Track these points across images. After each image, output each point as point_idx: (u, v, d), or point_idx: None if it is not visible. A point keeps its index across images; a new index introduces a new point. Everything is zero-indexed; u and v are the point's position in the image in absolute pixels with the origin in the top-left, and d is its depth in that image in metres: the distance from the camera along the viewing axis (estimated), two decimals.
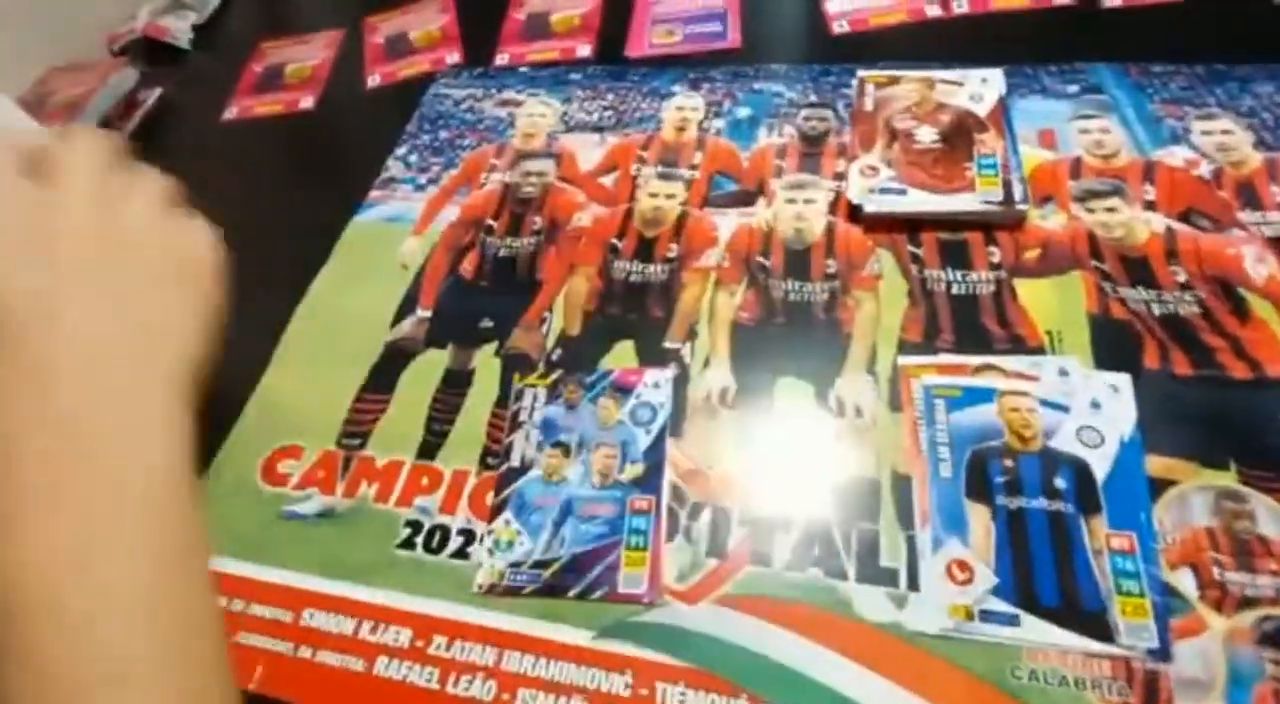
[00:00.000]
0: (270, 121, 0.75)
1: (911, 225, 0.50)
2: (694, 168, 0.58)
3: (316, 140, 0.73)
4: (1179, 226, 0.47)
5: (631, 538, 0.41)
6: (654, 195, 0.57)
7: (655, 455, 0.43)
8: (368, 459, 0.47)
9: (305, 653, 0.40)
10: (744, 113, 0.61)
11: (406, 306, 0.55)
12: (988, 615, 0.35)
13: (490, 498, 0.44)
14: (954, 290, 0.47)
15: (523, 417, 0.47)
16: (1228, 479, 0.37)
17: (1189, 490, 0.37)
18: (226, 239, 0.63)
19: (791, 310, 0.49)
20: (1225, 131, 0.51)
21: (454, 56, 0.75)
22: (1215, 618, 0.34)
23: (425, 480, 0.45)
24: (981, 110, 0.54)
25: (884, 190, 0.51)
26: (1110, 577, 0.35)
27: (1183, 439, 0.39)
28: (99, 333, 0.28)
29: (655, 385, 0.46)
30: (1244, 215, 0.47)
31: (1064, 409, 0.40)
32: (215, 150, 0.74)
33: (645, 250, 0.54)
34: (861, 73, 0.59)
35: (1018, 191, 0.49)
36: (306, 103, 0.76)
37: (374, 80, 0.76)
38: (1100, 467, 0.38)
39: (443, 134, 0.67)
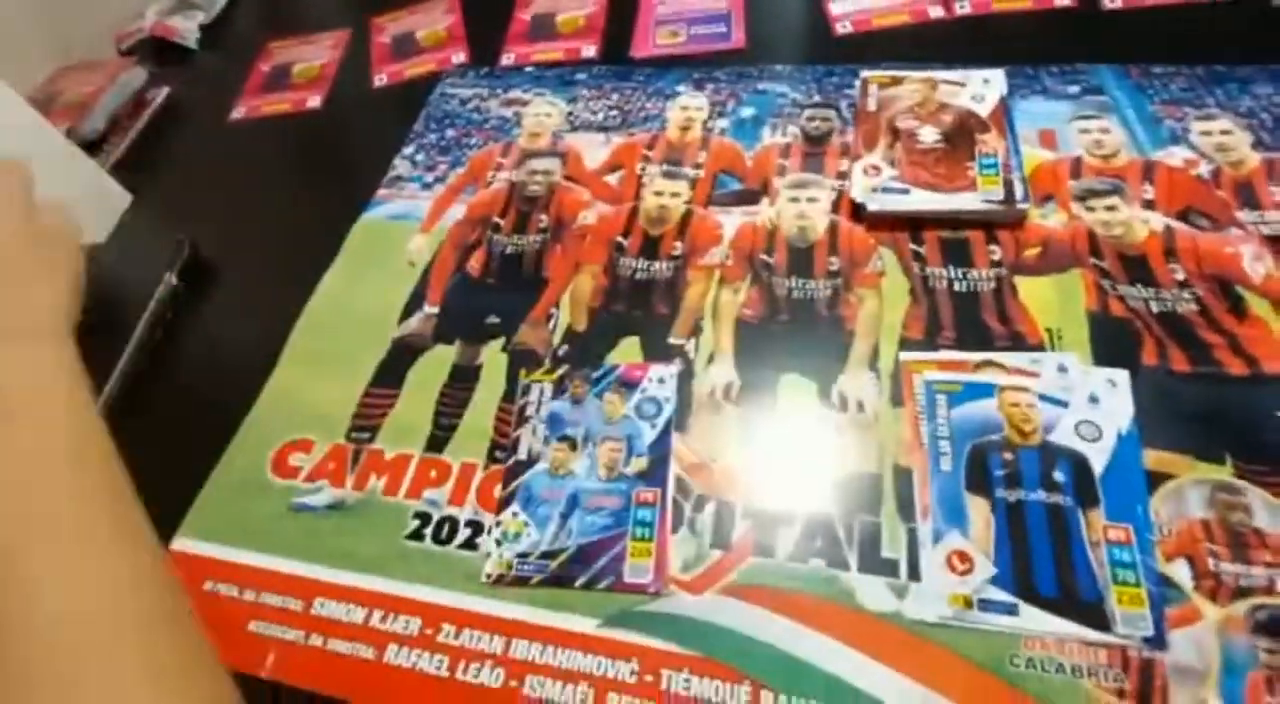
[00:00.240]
0: (278, 120, 0.76)
1: (914, 224, 0.51)
2: (698, 167, 0.59)
3: (324, 139, 0.73)
4: (1178, 225, 0.48)
5: (637, 529, 0.41)
6: (659, 194, 0.57)
7: (660, 449, 0.44)
8: (377, 452, 0.48)
9: (316, 641, 0.41)
10: (748, 112, 0.62)
11: (414, 303, 0.55)
12: (987, 605, 0.36)
13: (498, 490, 0.44)
14: (955, 288, 0.48)
15: (529, 411, 0.47)
16: (1223, 473, 0.38)
17: (1185, 484, 0.38)
18: (237, 237, 0.65)
19: (795, 307, 0.49)
20: (1224, 132, 0.52)
21: (460, 56, 0.76)
22: (1210, 607, 0.35)
23: (434, 473, 0.46)
24: (983, 110, 0.55)
25: (886, 189, 0.52)
26: (1107, 567, 0.36)
27: (1179, 434, 0.40)
28: None
29: (660, 381, 0.47)
30: (1242, 214, 0.48)
31: (1063, 404, 0.41)
32: (223, 149, 0.75)
33: (650, 248, 0.54)
34: (864, 73, 0.60)
35: (1018, 191, 0.49)
36: (314, 102, 0.76)
37: (381, 80, 0.77)
38: (1098, 460, 0.39)
39: (449, 133, 0.68)
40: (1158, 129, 0.53)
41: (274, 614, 0.42)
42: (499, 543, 0.42)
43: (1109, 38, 0.61)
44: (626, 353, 0.49)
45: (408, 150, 0.67)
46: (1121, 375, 0.41)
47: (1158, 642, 0.34)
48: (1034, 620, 0.35)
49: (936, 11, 0.66)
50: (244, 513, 0.46)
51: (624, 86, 0.67)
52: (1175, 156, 0.51)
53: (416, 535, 0.44)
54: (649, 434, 0.45)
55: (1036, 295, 0.47)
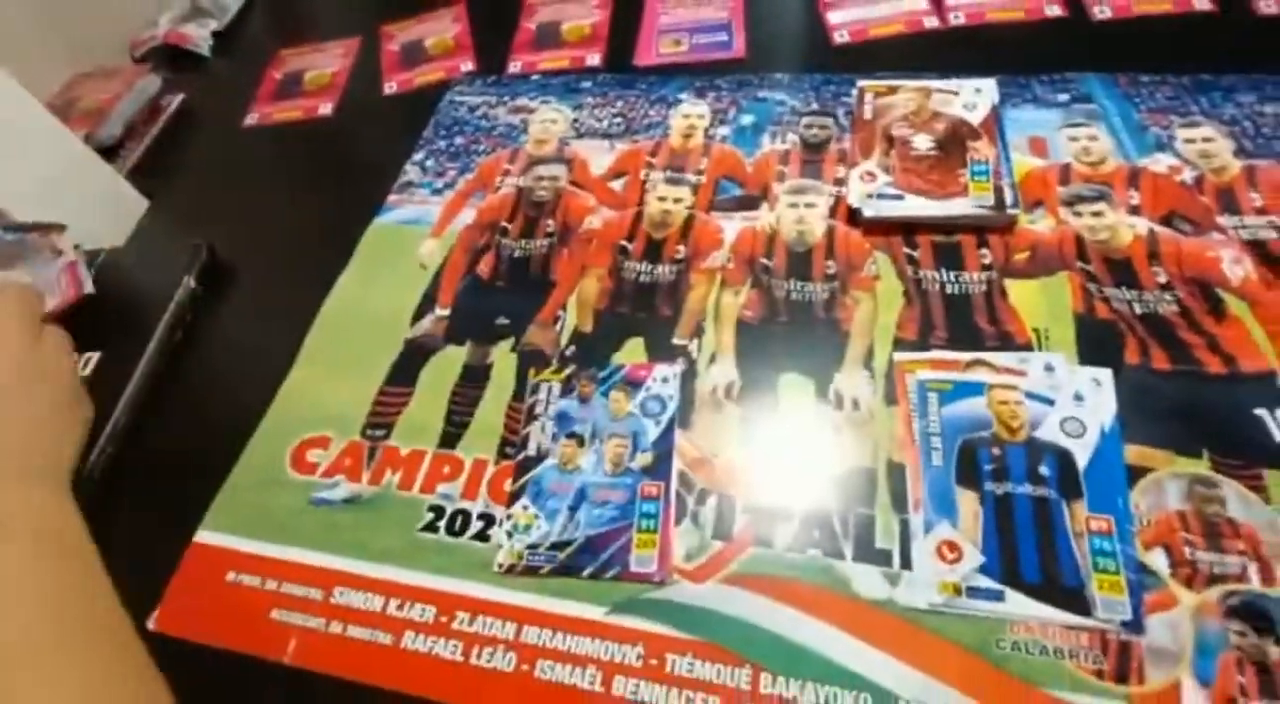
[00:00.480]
0: (290, 127, 0.78)
1: (907, 229, 0.53)
2: (700, 173, 0.61)
3: (336, 145, 0.75)
4: (1161, 230, 0.50)
5: (642, 522, 0.43)
6: (662, 199, 0.59)
7: (664, 445, 0.46)
8: (392, 449, 0.50)
9: (336, 628, 0.42)
10: (748, 120, 0.64)
11: (426, 305, 0.57)
12: (975, 592, 0.38)
13: (509, 485, 0.46)
14: (947, 290, 0.50)
15: (538, 409, 0.49)
16: (1201, 467, 0.40)
17: (1164, 477, 0.40)
18: (252, 241, 0.67)
19: (793, 309, 0.51)
20: (1207, 139, 0.54)
21: (468, 64, 0.78)
22: (1185, 593, 0.36)
23: (446, 469, 0.48)
24: (975, 119, 0.57)
25: (882, 195, 0.54)
26: (1089, 556, 0.38)
27: (1159, 430, 0.42)
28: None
29: (664, 380, 0.49)
30: (1223, 219, 0.49)
31: (1049, 402, 0.43)
32: (237, 155, 0.77)
33: (654, 252, 0.56)
34: (861, 82, 0.62)
35: (1009, 196, 0.51)
36: (325, 109, 0.78)
37: (390, 87, 0.79)
38: (1082, 455, 0.41)
39: (458, 140, 0.70)
40: (1144, 136, 0.55)
41: (295, 603, 0.44)
42: (510, 535, 0.44)
43: (1098, 47, 0.63)
44: (631, 353, 0.51)
45: (418, 156, 0.69)
46: (1105, 374, 0.43)
47: (1135, 625, 0.36)
48: (1019, 606, 0.37)
49: (932, 22, 0.68)
50: (265, 507, 0.48)
51: (628, 94, 0.69)
52: (1160, 163, 0.53)
53: (431, 528, 0.46)
54: (653, 431, 0.47)
55: (1025, 297, 0.48)
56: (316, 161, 0.75)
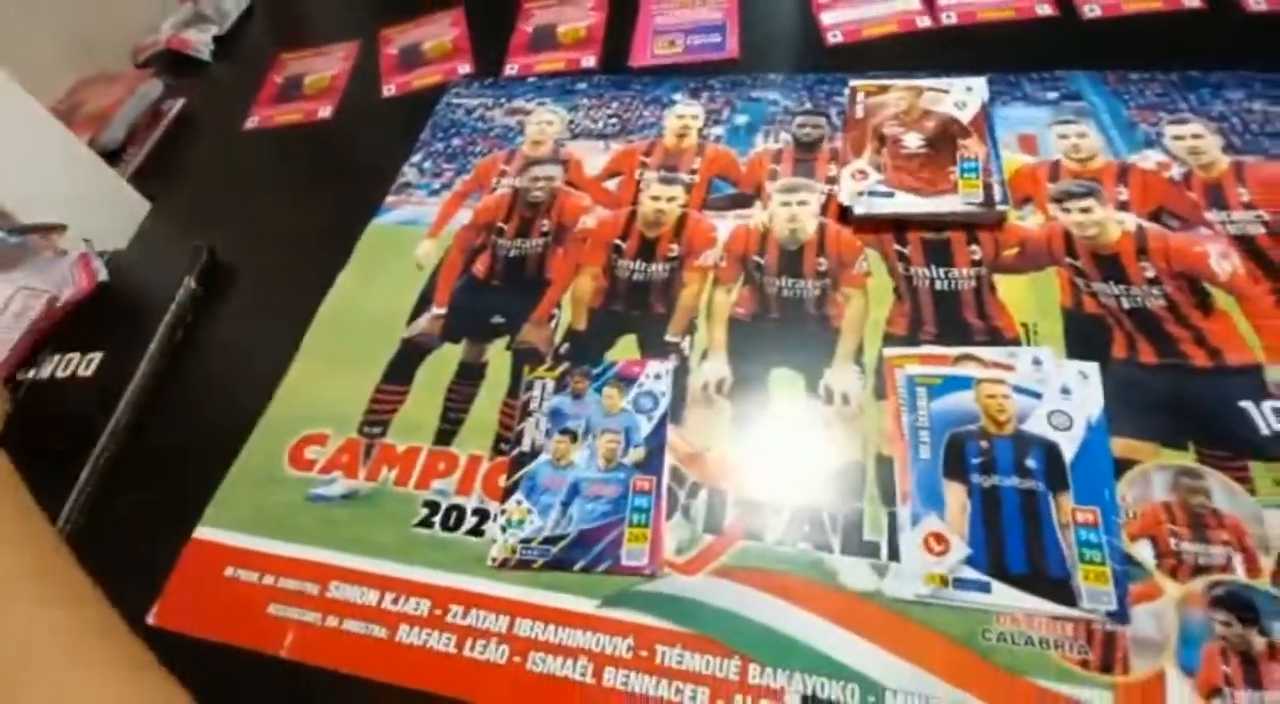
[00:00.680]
0: (290, 130, 0.79)
1: (898, 225, 0.53)
2: (694, 172, 0.61)
3: (335, 148, 0.76)
4: (1149, 225, 0.50)
5: (634, 516, 0.44)
6: (656, 198, 0.60)
7: (656, 440, 0.47)
8: (388, 446, 0.50)
9: (332, 622, 0.43)
10: (742, 120, 0.65)
11: (422, 304, 0.58)
12: (961, 583, 0.38)
13: (503, 480, 0.47)
14: (937, 286, 0.50)
15: (532, 406, 0.50)
16: (1186, 459, 0.40)
17: (1150, 469, 0.40)
18: (253, 242, 0.68)
19: (785, 306, 0.52)
20: (1195, 136, 0.54)
21: (465, 67, 0.79)
22: (1170, 584, 0.37)
23: (442, 465, 0.49)
24: (965, 117, 0.57)
25: (873, 193, 0.54)
26: (1075, 547, 0.38)
27: (1146, 422, 0.42)
28: None
29: (656, 376, 0.49)
30: (1211, 215, 0.50)
31: (1036, 395, 0.43)
32: (238, 158, 0.78)
33: (647, 250, 0.57)
34: (853, 82, 0.63)
35: (998, 193, 0.52)
36: (325, 112, 0.79)
37: (389, 90, 0.80)
38: (1069, 448, 0.41)
39: (455, 141, 0.70)
40: (1133, 133, 0.55)
41: (292, 597, 0.44)
42: (504, 529, 0.45)
43: (1088, 45, 0.63)
44: (624, 350, 0.52)
45: (415, 158, 0.70)
46: (1092, 368, 0.44)
47: (1120, 616, 0.36)
48: (1005, 597, 0.37)
49: (924, 22, 0.68)
50: (263, 503, 0.49)
51: (623, 95, 0.70)
52: (1149, 159, 0.54)
53: (426, 523, 0.46)
54: (646, 426, 0.47)
55: (1014, 293, 0.49)
56: (316, 164, 0.76)
